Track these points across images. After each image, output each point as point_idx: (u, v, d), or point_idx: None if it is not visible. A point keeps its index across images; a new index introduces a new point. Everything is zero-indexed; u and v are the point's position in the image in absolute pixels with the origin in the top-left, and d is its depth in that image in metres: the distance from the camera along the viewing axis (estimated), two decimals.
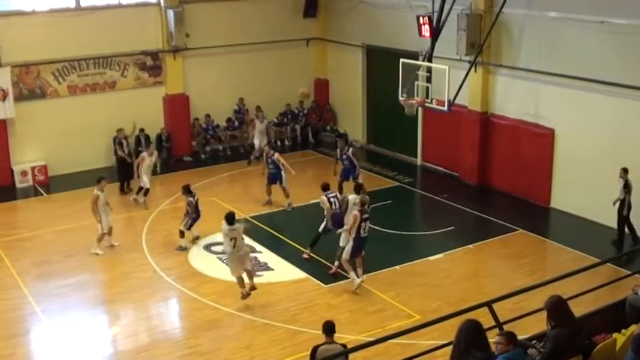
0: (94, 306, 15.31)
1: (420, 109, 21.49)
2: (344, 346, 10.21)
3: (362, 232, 15.18)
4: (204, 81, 25.40)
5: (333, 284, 15.77)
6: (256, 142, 24.37)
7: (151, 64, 24.69)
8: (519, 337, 7.48)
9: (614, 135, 18.17)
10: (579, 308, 8.55)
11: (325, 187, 16.85)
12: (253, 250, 17.41)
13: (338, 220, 16.37)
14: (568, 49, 18.99)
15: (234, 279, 15.02)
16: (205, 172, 23.75)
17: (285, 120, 27.13)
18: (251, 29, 25.84)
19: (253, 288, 14.81)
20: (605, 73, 17.94)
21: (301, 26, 26.88)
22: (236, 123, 26.17)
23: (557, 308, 7.00)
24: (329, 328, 10.26)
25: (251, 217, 19.26)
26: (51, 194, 22.10)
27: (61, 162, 23.14)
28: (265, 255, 17.37)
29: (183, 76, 25.12)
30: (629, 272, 12.57)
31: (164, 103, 25.07)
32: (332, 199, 16.60)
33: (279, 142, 26.23)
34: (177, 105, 25.04)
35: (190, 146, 25.39)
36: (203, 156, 25.41)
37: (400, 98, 19.83)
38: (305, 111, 27.48)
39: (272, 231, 18.81)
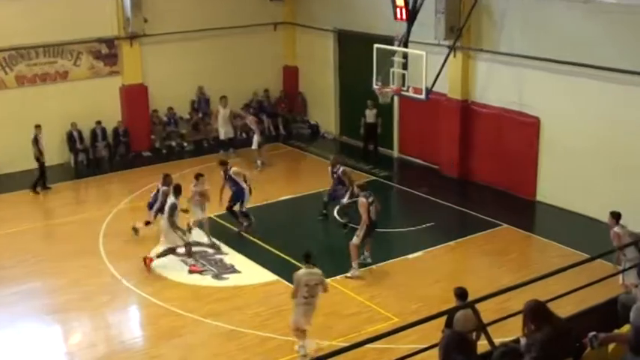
0: (47, 316, 15.10)
1: (395, 97, 21.52)
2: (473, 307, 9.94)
3: (372, 216, 16.03)
4: (164, 70, 25.22)
5: None
6: (221, 130, 24.49)
7: (106, 52, 24.45)
8: (504, 339, 7.48)
9: (604, 122, 18.27)
10: (568, 308, 8.56)
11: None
12: (219, 252, 17.35)
13: None
14: (554, 31, 19.06)
15: (203, 284, 14.90)
16: (166, 168, 23.49)
17: (252, 111, 27.00)
18: (214, 13, 25.70)
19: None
20: (594, 56, 18.02)
21: (268, 10, 26.78)
22: (200, 114, 26.04)
23: (536, 312, 7.02)
24: (462, 294, 10.90)
25: (216, 216, 19.14)
26: None
27: (10, 159, 22.84)
28: (232, 256, 17.28)
29: (141, 65, 24.94)
30: (621, 269, 12.71)
31: (121, 94, 24.87)
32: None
33: (244, 135, 26.10)
34: (135, 96, 24.86)
35: (150, 141, 25.23)
36: (164, 151, 25.26)
37: (374, 86, 19.84)
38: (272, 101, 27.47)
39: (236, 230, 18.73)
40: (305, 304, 12.58)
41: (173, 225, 16.37)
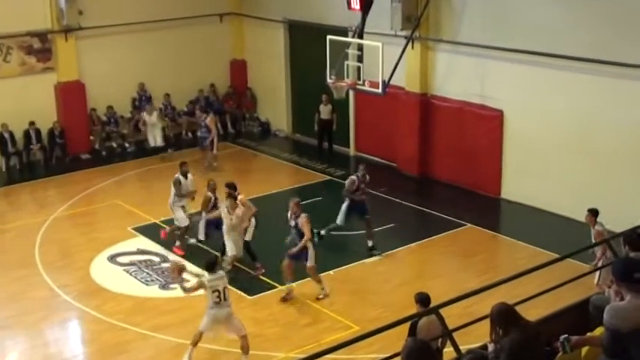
0: None
1: (351, 92, 21.52)
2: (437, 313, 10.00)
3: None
4: (102, 66, 24.96)
5: (258, 295, 15.70)
6: (150, 138, 24.33)
7: (39, 47, 24.13)
8: (471, 346, 7.50)
9: (571, 114, 18.49)
10: (537, 310, 8.62)
11: None
12: (166, 260, 17.23)
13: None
14: (517, 19, 19.25)
15: (149, 295, 14.79)
16: (107, 171, 23.37)
17: (198, 108, 26.85)
18: (155, 4, 25.53)
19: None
20: (559, 45, 18.23)
21: (213, 0, 26.68)
22: (141, 112, 25.80)
23: (504, 316, 7.06)
24: (424, 300, 10.93)
25: (162, 222, 18.99)
26: None
27: None
28: None
29: (77, 61, 24.66)
30: (593, 268, 12.87)
31: (56, 92, 24.58)
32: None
33: (190, 134, 25.95)
34: (71, 94, 24.56)
35: (88, 142, 24.97)
36: (104, 153, 25.02)
37: (328, 80, 19.83)
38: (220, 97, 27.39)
39: (186, 237, 18.57)
40: (216, 309, 12.83)
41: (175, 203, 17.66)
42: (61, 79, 24.54)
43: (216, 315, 12.91)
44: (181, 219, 17.68)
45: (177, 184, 17.77)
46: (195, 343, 13.02)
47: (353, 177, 17.97)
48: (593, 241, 13.84)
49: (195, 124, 24.76)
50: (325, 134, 24.45)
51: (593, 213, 14.26)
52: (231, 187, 16.70)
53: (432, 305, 10.41)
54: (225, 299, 12.84)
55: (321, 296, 15.46)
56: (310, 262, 15.22)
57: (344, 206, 17.81)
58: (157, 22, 25.50)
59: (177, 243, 17.69)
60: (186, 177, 18.07)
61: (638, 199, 16.94)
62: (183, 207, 17.78)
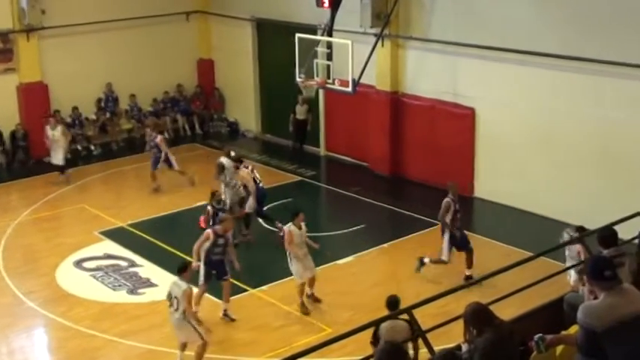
0: None
1: (320, 91, 21.55)
2: (409, 322, 10.09)
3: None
4: (66, 66, 24.82)
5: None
6: (52, 154, 22.54)
7: (0, 48, 23.95)
8: (445, 346, 7.54)
9: (544, 112, 18.64)
10: (511, 309, 8.68)
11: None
12: (133, 264, 17.17)
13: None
14: (488, 16, 19.37)
15: (117, 300, 14.71)
16: (72, 174, 23.18)
17: (163, 108, 26.78)
18: (120, 3, 25.42)
19: None
20: (532, 42, 18.37)
21: None
22: (107, 114, 25.70)
23: (477, 316, 7.09)
24: (390, 303, 10.95)
25: (129, 225, 18.92)
26: None
27: None
28: (147, 269, 17.11)
29: (39, 61, 24.49)
30: (567, 266, 12.97)
31: (18, 93, 24.40)
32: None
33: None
34: (34, 96, 24.40)
35: None
36: (69, 156, 24.82)
37: (297, 79, 19.83)
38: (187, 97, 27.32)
39: (154, 240, 18.53)
40: (174, 317, 12.92)
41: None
42: (23, 80, 24.36)
43: (171, 321, 13.05)
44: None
45: (221, 169, 18.19)
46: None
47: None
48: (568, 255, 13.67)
49: (162, 125, 24.65)
50: (300, 134, 24.37)
51: (579, 230, 13.67)
52: (237, 161, 18.51)
53: (405, 306, 10.44)
54: (176, 307, 12.77)
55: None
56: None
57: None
58: (122, 21, 25.38)
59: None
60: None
61: (610, 197, 17.11)
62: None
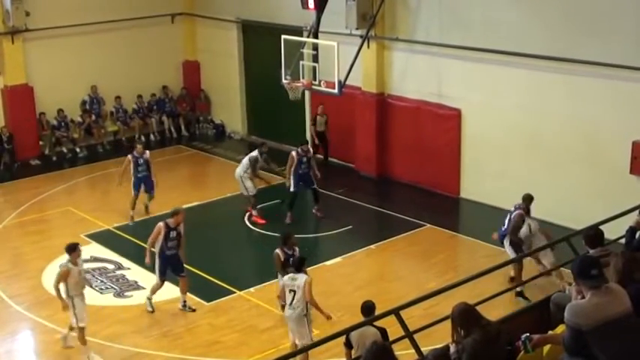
0: None
1: (306, 92, 21.54)
2: (382, 330, 10.29)
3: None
4: (51, 68, 24.76)
5: (216, 301, 15.64)
6: None
7: None
8: (433, 347, 7.56)
9: (529, 113, 18.67)
10: (498, 310, 8.73)
11: None
12: (120, 267, 17.13)
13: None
14: (473, 17, 19.42)
15: (104, 303, 14.66)
16: (58, 177, 23.14)
17: (149, 110, 26.72)
18: (105, 5, 25.32)
19: None
20: (517, 43, 18.41)
21: (164, 0, 26.59)
22: (92, 116, 25.64)
23: (465, 316, 7.11)
24: (364, 309, 10.95)
25: (115, 228, 18.87)
26: None
27: None
28: (135, 271, 17.06)
29: (24, 64, 24.39)
30: (553, 266, 13.01)
31: (3, 96, 24.31)
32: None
33: (143, 137, 25.76)
34: (19, 98, 24.30)
35: (38, 147, 24.71)
36: (54, 158, 24.79)
37: (283, 81, 19.84)
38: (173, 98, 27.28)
39: (141, 243, 18.42)
40: None
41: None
42: (7, 83, 24.26)
43: None
44: (250, 188, 19.24)
45: (255, 162, 19.34)
46: None
47: None
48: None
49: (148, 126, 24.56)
50: (324, 147, 23.50)
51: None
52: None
53: (392, 307, 10.45)
54: None
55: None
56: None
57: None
58: (107, 23, 25.31)
59: (255, 212, 19.28)
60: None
61: (595, 197, 17.18)
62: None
